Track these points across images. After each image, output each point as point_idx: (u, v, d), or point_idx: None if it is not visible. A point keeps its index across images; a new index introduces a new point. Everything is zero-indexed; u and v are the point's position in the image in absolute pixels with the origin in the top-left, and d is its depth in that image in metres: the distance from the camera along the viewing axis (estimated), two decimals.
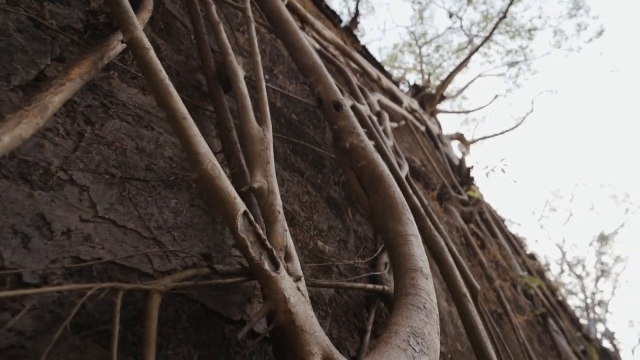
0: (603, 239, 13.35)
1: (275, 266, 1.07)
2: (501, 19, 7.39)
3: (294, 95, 2.58)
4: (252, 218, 1.09)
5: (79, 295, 0.93)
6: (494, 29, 7.60)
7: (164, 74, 1.14)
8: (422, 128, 8.51)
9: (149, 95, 1.52)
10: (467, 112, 8.99)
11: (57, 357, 0.84)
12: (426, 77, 9.71)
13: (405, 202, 1.82)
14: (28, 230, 0.92)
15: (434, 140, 9.10)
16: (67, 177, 1.07)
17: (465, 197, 5.80)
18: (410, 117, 7.06)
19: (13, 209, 0.92)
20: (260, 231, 1.08)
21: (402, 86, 9.90)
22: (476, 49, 7.78)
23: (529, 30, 9.23)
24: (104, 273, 1.02)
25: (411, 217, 1.78)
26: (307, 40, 2.23)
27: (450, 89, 11.62)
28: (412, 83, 11.04)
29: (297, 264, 1.23)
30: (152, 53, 1.16)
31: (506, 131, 9.06)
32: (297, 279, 1.15)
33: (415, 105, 8.39)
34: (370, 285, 1.96)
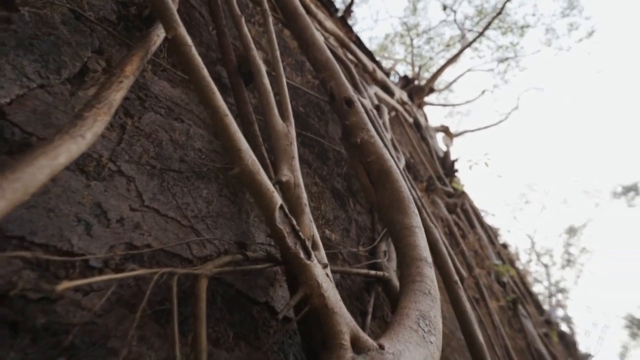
0: (572, 231, 14.08)
1: (308, 255, 1.18)
2: (497, 14, 7.55)
3: (303, 87, 2.65)
4: (287, 211, 1.20)
5: (136, 278, 1.02)
6: (488, 24, 7.76)
7: (205, 72, 1.21)
8: (410, 120, 8.68)
9: (177, 87, 1.57)
10: (454, 105, 9.21)
11: (120, 332, 0.94)
12: (416, 69, 9.83)
13: (410, 196, 1.96)
14: (89, 218, 1.00)
15: (421, 132, 9.29)
16: (116, 168, 1.14)
17: (450, 189, 6.03)
18: (400, 109, 7.19)
19: (75, 198, 0.99)
20: (295, 223, 1.19)
21: (391, 77, 9.99)
22: (469, 44, 7.93)
23: (522, 27, 9.45)
24: (152, 258, 1.10)
25: (416, 210, 1.92)
26: (320, 36, 2.30)
27: (438, 81, 11.78)
28: (402, 74, 11.14)
29: (322, 253, 1.34)
30: (194, 50, 1.22)
31: (490, 126, 9.35)
32: (325, 267, 1.27)
33: (405, 97, 8.53)
34: (372, 272, 2.10)
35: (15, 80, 0.99)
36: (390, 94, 6.99)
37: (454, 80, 9.78)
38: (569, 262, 15.66)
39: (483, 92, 9.55)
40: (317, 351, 1.25)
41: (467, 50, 9.44)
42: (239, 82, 1.76)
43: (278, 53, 1.90)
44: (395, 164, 2.40)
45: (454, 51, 10.43)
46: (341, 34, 4.86)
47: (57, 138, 0.72)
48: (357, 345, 1.12)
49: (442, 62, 12.35)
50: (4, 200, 0.55)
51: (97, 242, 0.99)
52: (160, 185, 1.24)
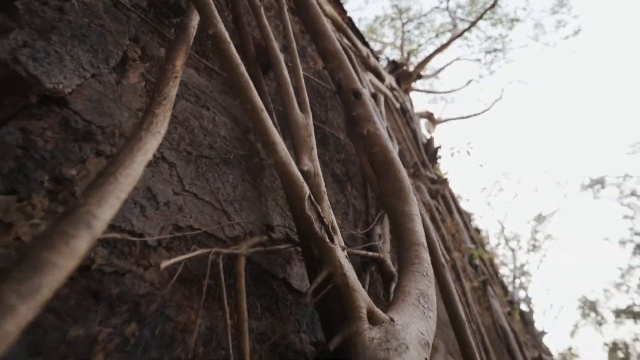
0: (540, 218, 14.89)
1: (331, 239, 1.33)
2: (491, 6, 7.67)
3: (306, 74, 2.73)
4: (313, 199, 1.33)
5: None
6: (481, 15, 7.89)
7: (243, 69, 1.30)
8: (398, 105, 8.83)
9: (202, 75, 1.64)
10: (440, 92, 9.41)
11: (174, 302, 1.06)
12: (405, 54, 9.92)
13: (410, 186, 2.12)
14: (142, 201, 1.10)
15: (407, 118, 9.47)
16: (159, 155, 1.23)
17: (434, 175, 6.29)
18: (390, 95, 7.32)
19: None
20: (320, 210, 1.33)
21: (380, 61, 10.04)
22: (461, 34, 8.07)
23: (512, 20, 9.65)
24: (194, 238, 1.22)
25: (415, 199, 2.09)
26: (329, 25, 2.38)
27: (425, 67, 11.90)
28: (390, 59, 11.19)
29: (340, 237, 1.49)
30: (233, 47, 1.30)
31: (473, 115, 9.65)
32: (343, 249, 1.42)
33: (393, 82, 8.64)
34: (370, 253, 2.28)
35: (74, 70, 1.06)
36: (381, 79, 7.10)
37: (442, 68, 9.95)
38: (534, 247, 16.62)
39: (469, 81, 9.79)
40: (334, 323, 1.41)
41: (457, 39, 9.58)
42: (257, 71, 1.84)
43: (294, 44, 1.97)
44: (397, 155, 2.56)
45: (444, 39, 10.54)
46: (338, 17, 4.88)
47: (143, 135, 0.82)
48: (372, 318, 1.29)
49: (431, 48, 12.45)
50: (123, 193, 0.66)
51: (151, 222, 1.09)
52: (196, 171, 1.35)
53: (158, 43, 1.48)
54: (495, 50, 10.26)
